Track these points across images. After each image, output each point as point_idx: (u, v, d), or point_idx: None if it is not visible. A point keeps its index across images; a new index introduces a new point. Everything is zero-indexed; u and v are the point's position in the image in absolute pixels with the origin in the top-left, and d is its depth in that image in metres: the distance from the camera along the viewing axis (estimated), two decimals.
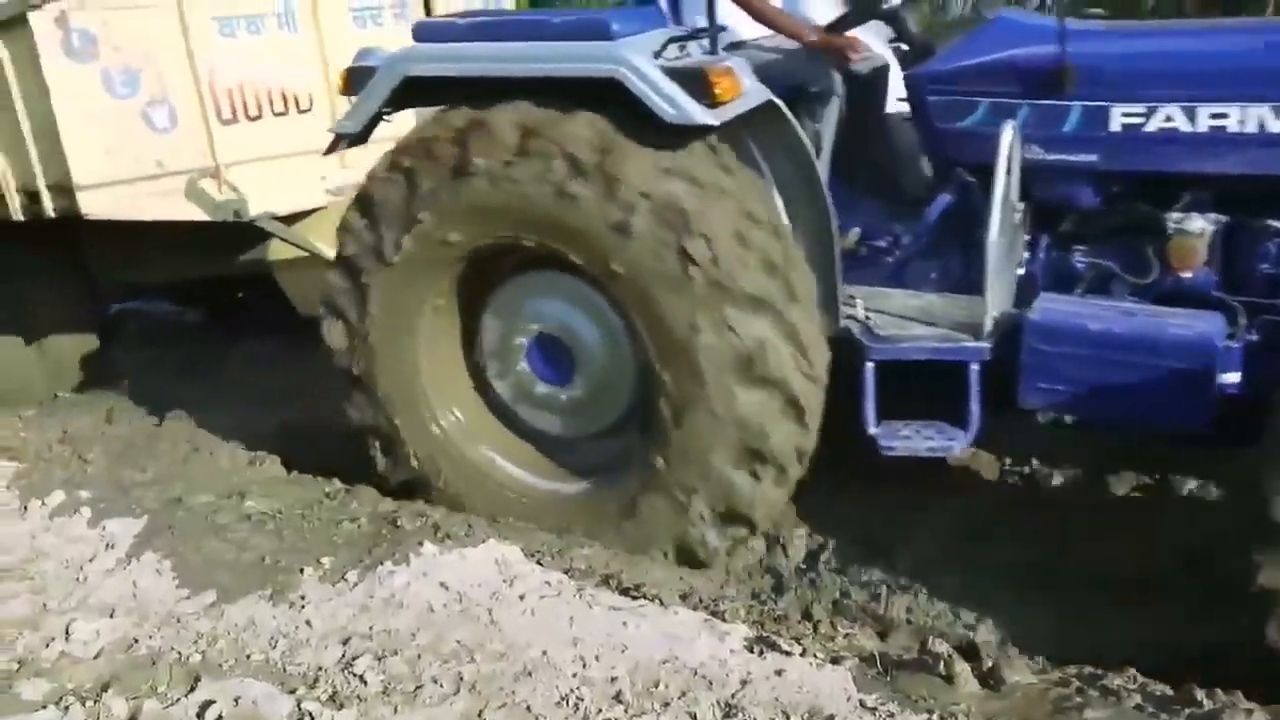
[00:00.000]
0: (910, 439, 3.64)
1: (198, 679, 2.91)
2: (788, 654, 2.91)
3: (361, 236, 3.79)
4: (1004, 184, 3.55)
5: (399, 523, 3.74)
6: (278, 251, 5.35)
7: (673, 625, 3.06)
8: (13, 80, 4.79)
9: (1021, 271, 3.90)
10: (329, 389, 4.13)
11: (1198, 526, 3.77)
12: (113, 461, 4.50)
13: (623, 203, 3.31)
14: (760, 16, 4.04)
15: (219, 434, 4.71)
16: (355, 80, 3.83)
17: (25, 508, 3.97)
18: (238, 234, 5.10)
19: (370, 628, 3.10)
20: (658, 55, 3.42)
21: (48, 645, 3.13)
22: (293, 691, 2.84)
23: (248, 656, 3.03)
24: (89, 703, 2.82)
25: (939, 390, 3.63)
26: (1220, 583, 3.13)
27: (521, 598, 3.20)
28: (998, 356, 3.57)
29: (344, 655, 2.99)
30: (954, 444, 3.63)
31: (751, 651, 2.93)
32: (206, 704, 2.79)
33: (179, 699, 2.83)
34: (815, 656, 2.92)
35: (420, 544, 3.47)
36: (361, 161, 5.27)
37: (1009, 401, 3.57)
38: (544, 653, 2.94)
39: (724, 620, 3.14)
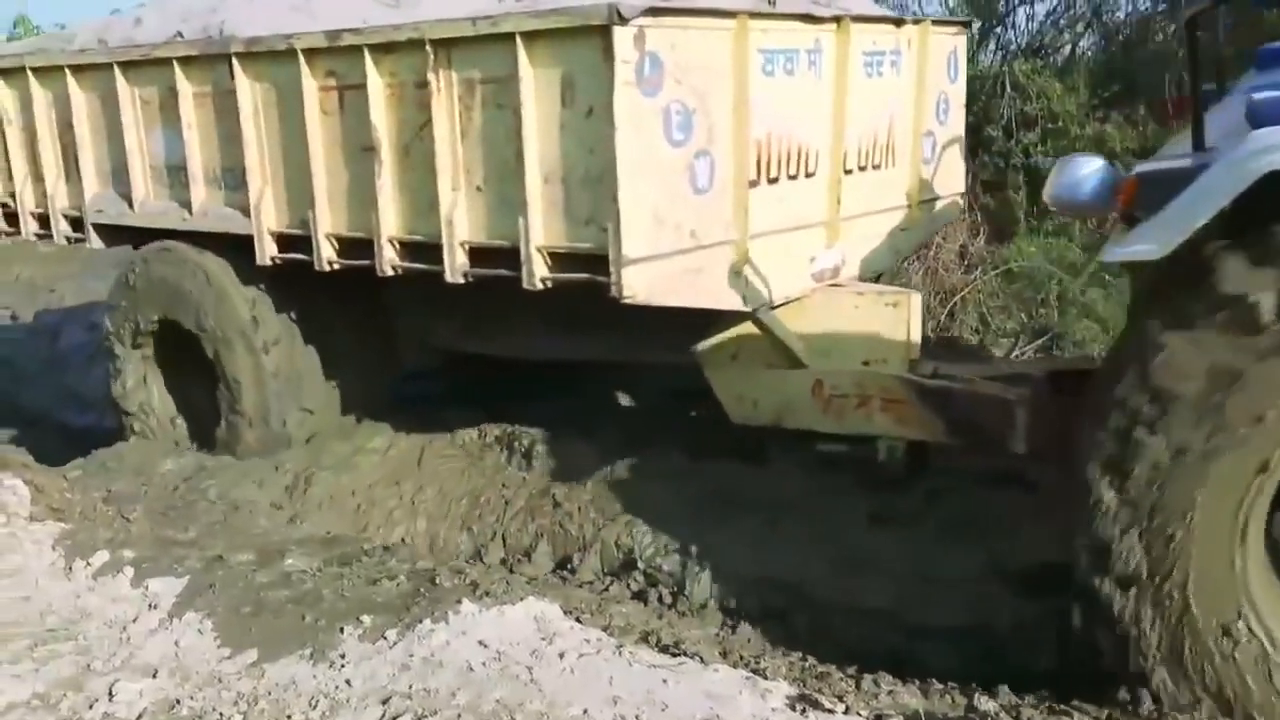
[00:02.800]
0: None
1: None
2: (830, 712, 2.87)
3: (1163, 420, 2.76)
4: None
5: (437, 580, 3.75)
6: (716, 344, 4.48)
7: (713, 683, 3.03)
8: (533, 107, 3.76)
9: None
10: None
11: None
12: (155, 521, 4.54)
13: None
14: None
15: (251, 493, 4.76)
16: (1150, 190, 2.90)
17: (70, 568, 4.02)
18: (643, 314, 3.98)
19: (410, 687, 3.10)
20: None
21: (91, 706, 3.15)
22: None
23: (288, 717, 3.03)
24: None
25: None
26: None
27: (561, 656, 3.18)
28: None
29: (384, 715, 2.98)
30: None
31: (794, 709, 2.89)
32: None
33: None
34: (859, 714, 2.88)
35: (459, 602, 3.47)
36: (848, 238, 4.67)
37: None
38: (584, 711, 2.92)
39: (765, 677, 3.10)
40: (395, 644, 3.32)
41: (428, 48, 3.96)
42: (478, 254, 4.12)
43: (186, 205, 5.12)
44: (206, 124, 4.92)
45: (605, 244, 3.69)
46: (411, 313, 5.15)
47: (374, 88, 4.20)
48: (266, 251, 4.83)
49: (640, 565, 4.21)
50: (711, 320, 4.35)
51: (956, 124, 5.35)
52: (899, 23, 4.85)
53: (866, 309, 4.47)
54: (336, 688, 3.15)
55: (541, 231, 3.87)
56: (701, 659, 3.20)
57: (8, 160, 5.96)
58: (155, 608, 3.71)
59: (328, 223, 4.55)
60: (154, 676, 3.30)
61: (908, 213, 5.09)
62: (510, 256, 3.96)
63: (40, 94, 5.63)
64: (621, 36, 3.51)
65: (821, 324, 4.46)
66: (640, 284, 3.73)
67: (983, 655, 3.51)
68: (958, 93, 5.32)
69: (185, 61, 4.87)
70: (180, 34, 4.96)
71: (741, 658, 3.28)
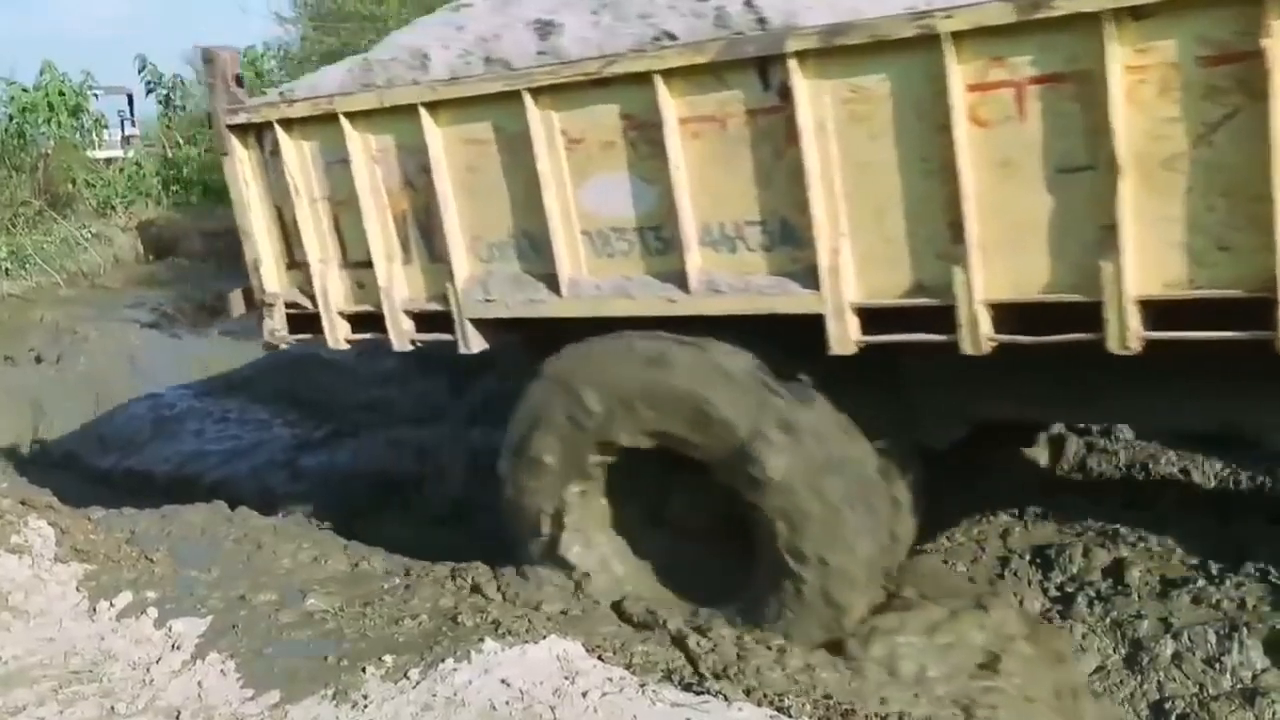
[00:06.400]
0: None
1: None
2: None
3: None
4: None
5: (459, 619, 3.74)
6: None
7: None
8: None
9: None
10: None
11: None
12: (178, 562, 4.56)
13: None
14: None
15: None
16: None
17: (94, 609, 4.03)
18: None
19: None
20: None
21: None
22: None
23: None
24: None
25: None
26: None
27: (584, 695, 3.16)
28: None
29: None
30: None
31: None
32: None
33: None
34: None
35: (481, 640, 3.45)
36: None
37: None
38: None
39: (790, 716, 3.07)
40: (418, 684, 3.30)
41: None
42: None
43: (675, 280, 3.65)
44: (713, 159, 3.50)
45: None
46: (943, 379, 3.69)
47: (1112, 71, 2.86)
48: (849, 333, 3.41)
49: None
50: None
51: None
52: None
53: None
54: None
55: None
56: (726, 697, 3.17)
57: (288, 244, 4.44)
58: (178, 648, 3.71)
59: (982, 285, 3.19)
60: (177, 718, 3.29)
61: None
62: None
63: (361, 145, 4.14)
64: None
65: None
66: None
67: None
68: None
69: (670, 75, 3.45)
70: (668, 34, 3.49)
71: (766, 696, 3.25)
